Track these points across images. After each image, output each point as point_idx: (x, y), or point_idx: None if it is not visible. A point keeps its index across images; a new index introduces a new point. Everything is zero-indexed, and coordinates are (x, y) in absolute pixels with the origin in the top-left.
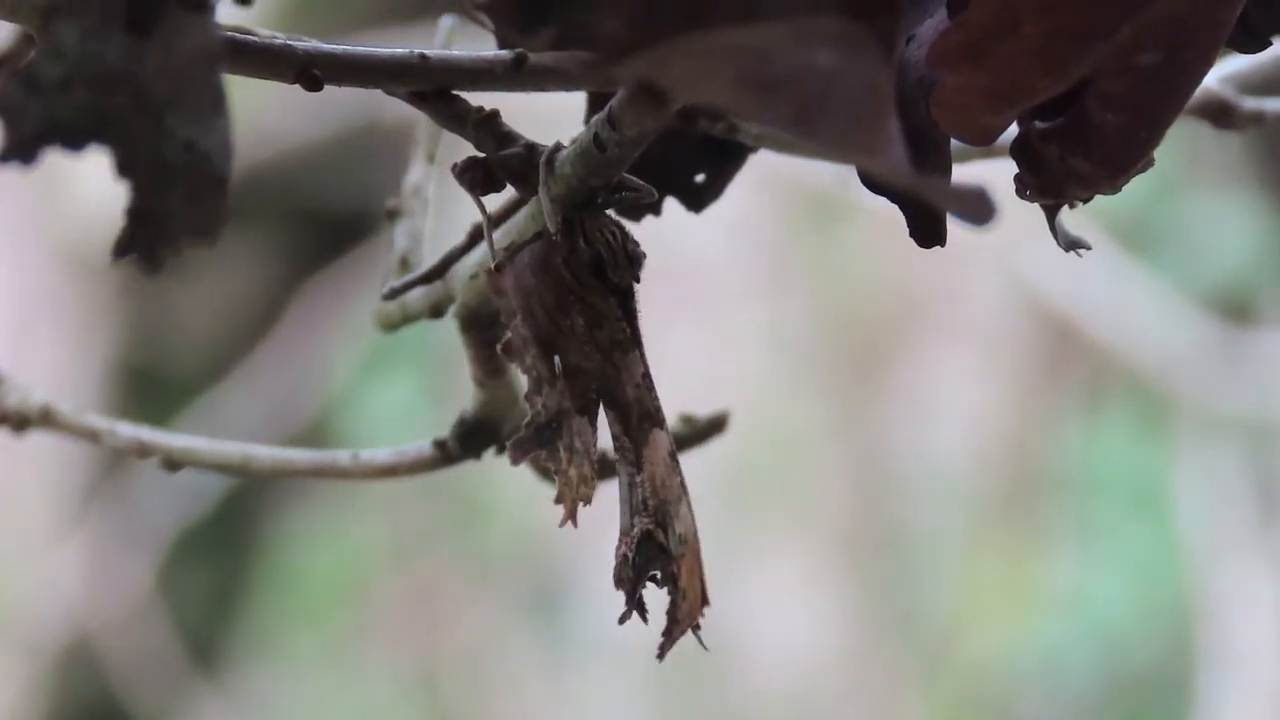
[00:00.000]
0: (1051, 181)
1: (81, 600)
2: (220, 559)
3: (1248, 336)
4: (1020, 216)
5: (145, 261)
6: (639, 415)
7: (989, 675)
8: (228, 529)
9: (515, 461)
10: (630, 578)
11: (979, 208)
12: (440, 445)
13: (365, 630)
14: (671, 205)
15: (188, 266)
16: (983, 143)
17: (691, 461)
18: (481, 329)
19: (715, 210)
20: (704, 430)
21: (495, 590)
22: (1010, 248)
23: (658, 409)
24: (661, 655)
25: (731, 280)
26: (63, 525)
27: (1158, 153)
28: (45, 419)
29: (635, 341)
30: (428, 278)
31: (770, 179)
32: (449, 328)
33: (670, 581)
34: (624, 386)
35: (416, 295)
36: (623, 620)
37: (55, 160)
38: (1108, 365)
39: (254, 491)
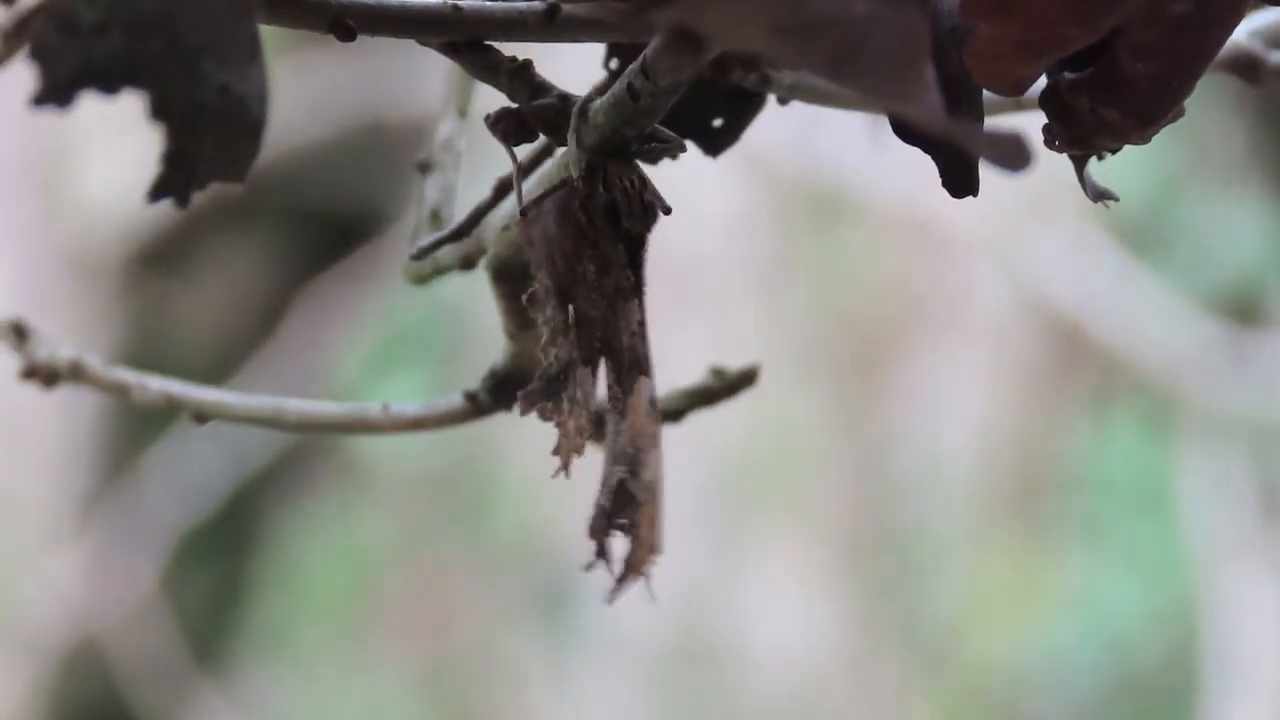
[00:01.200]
0: (1081, 132)
1: (86, 601)
2: (225, 559)
3: (1254, 338)
4: (1024, 218)
5: (177, 203)
6: (630, 363)
7: (994, 676)
8: (232, 529)
9: (523, 412)
10: (601, 527)
11: (1015, 153)
12: (471, 397)
13: (371, 628)
14: (678, 200)
15: (191, 266)
16: (1014, 93)
17: (693, 460)
18: (513, 281)
19: (716, 209)
20: (735, 383)
21: (500, 588)
22: (1014, 247)
23: (646, 356)
24: (611, 600)
25: (732, 279)
26: (67, 526)
27: (1165, 157)
28: (75, 373)
29: (637, 290)
30: (456, 234)
31: (772, 178)
32: (454, 326)
33: (632, 530)
34: (621, 334)
35: (447, 248)
36: (588, 567)
37: (59, 162)
38: (1113, 366)
39: (258, 491)
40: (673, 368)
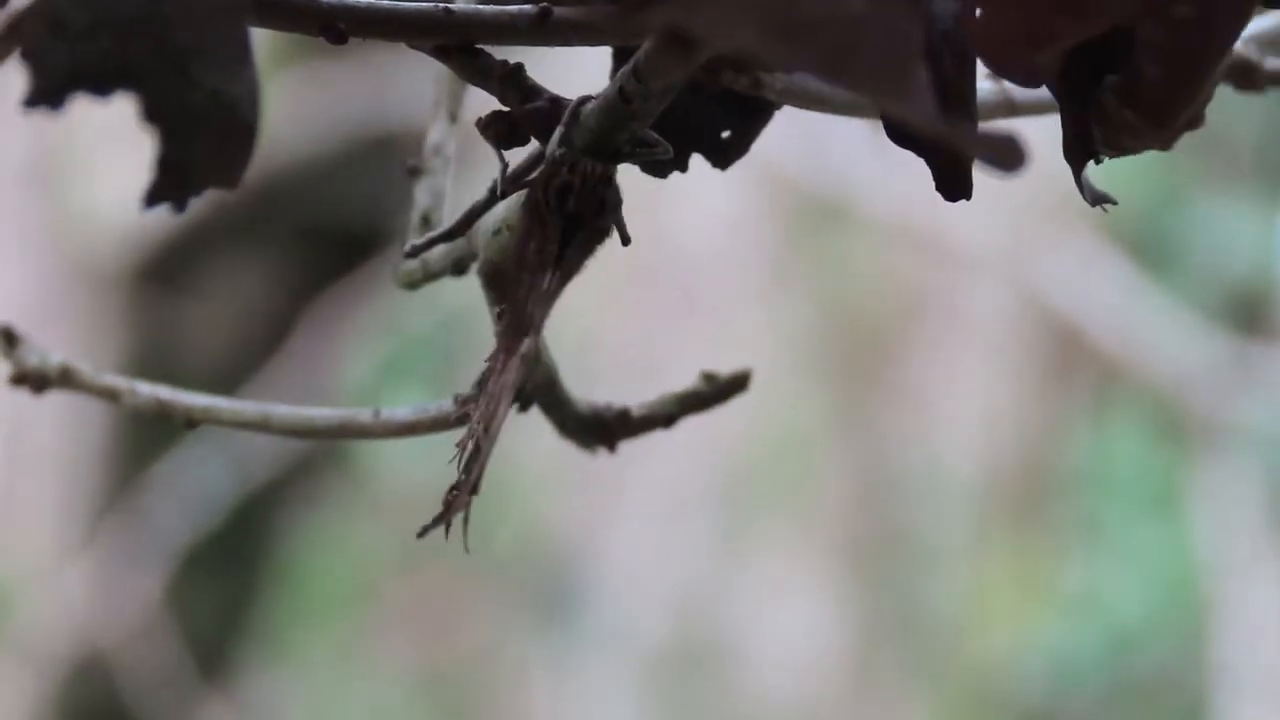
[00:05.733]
0: (1112, 133)
1: (92, 614)
2: (230, 571)
3: (1258, 345)
4: (1027, 222)
5: (174, 209)
6: (522, 326)
7: (994, 677)
8: (237, 541)
9: (456, 415)
10: (456, 484)
11: (1009, 154)
12: (462, 402)
13: (374, 633)
14: (677, 204)
15: (198, 279)
16: (1027, 83)
17: (694, 461)
18: (504, 285)
19: (717, 211)
20: (725, 388)
21: (502, 592)
22: (1016, 251)
23: (541, 321)
24: (422, 534)
25: (735, 282)
26: (73, 539)
27: (1171, 164)
28: (64, 379)
29: (557, 261)
30: (449, 235)
31: (775, 182)
32: (459, 339)
33: (466, 475)
34: (528, 300)
35: (438, 252)
36: (425, 532)
37: (66, 171)
38: (1116, 370)
39: (263, 502)
40: (674, 369)
